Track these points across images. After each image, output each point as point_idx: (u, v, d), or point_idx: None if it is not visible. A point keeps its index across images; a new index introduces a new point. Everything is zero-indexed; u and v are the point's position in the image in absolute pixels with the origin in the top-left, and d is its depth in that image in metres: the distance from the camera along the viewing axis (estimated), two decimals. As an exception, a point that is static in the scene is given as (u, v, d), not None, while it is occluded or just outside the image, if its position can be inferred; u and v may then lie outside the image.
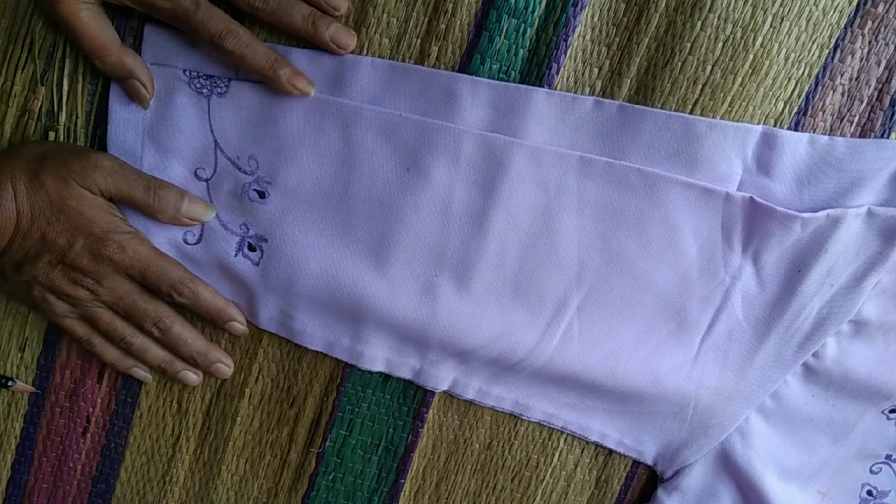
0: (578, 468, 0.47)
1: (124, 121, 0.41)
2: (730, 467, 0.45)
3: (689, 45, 0.38)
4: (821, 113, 0.39)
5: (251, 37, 0.38)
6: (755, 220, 0.39)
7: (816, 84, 0.39)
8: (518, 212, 0.40)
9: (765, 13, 0.37)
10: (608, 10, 0.38)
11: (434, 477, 0.47)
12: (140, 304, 0.41)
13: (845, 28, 0.38)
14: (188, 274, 0.42)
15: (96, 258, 0.39)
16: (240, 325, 0.43)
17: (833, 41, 0.38)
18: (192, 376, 0.44)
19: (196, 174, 0.41)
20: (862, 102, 0.39)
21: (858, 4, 0.38)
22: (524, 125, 0.39)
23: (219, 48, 0.38)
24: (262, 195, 0.41)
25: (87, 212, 0.38)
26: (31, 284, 0.40)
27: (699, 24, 0.38)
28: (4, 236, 0.37)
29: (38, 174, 0.37)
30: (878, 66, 0.39)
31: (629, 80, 0.39)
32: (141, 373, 0.44)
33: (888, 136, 0.40)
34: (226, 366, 0.44)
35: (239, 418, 0.46)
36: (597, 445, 0.46)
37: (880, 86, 0.39)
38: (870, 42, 0.38)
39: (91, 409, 0.47)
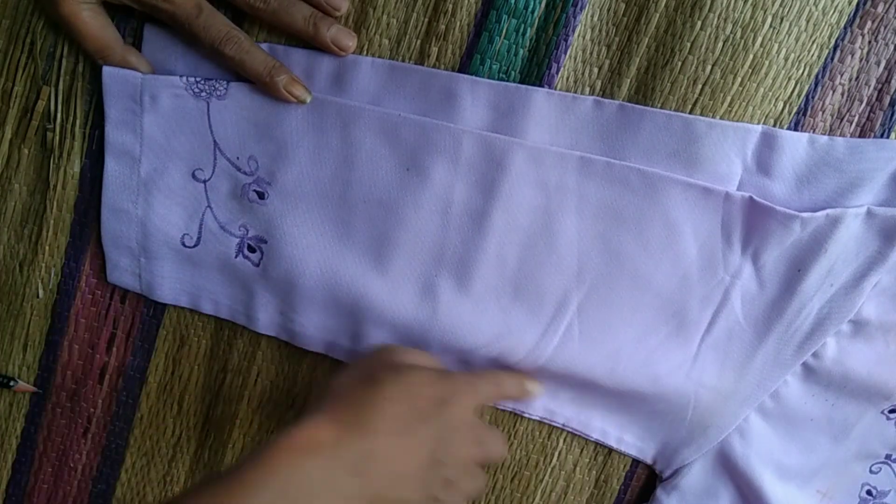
0: (578, 468, 0.47)
1: (122, 122, 0.41)
2: (729, 467, 0.45)
3: (689, 44, 0.38)
4: (820, 113, 0.39)
5: (251, 43, 0.38)
6: (755, 220, 0.39)
7: (816, 84, 0.39)
8: (518, 212, 0.40)
9: (765, 13, 0.37)
10: (608, 10, 0.38)
11: (434, 477, 0.47)
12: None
13: (845, 28, 0.38)
14: None
15: None
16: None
17: (833, 41, 0.38)
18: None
19: (194, 175, 0.41)
20: (861, 102, 0.39)
21: (858, 4, 0.38)
22: (524, 125, 0.39)
23: (218, 54, 0.38)
24: (261, 196, 0.41)
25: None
26: None
27: (699, 23, 0.37)
28: None
29: None
30: (878, 66, 0.39)
31: (629, 80, 0.39)
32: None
33: (888, 136, 0.40)
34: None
35: (238, 421, 0.46)
36: (596, 445, 0.46)
37: (880, 86, 0.39)
38: (869, 42, 0.38)
39: (92, 410, 0.47)
